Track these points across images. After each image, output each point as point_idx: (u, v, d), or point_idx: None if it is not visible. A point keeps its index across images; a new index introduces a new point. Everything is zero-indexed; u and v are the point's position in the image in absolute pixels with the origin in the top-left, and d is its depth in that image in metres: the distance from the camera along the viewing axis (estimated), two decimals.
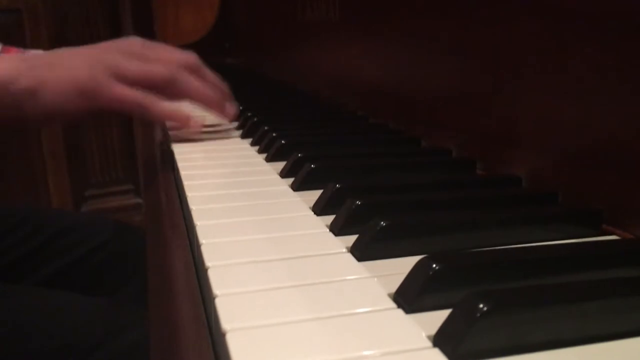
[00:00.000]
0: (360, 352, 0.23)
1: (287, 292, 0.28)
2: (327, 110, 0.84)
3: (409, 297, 0.27)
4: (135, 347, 0.62)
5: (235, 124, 0.76)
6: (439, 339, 0.24)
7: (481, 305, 0.23)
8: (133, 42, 0.64)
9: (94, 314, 0.67)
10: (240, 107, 0.79)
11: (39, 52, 1.04)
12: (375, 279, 0.30)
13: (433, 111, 0.60)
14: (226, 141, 0.66)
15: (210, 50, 1.69)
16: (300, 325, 0.25)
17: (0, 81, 0.56)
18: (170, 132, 0.72)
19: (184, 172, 0.51)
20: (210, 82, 0.66)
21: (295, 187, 0.47)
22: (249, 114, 0.73)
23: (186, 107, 0.66)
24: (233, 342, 0.24)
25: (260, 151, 0.60)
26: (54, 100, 0.58)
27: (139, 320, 0.65)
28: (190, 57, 0.65)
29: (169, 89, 0.62)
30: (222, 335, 0.25)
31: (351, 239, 0.34)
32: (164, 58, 0.63)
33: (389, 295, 0.28)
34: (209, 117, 0.79)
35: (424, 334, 0.24)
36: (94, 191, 2.15)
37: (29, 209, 0.95)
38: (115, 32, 2.05)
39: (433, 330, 0.24)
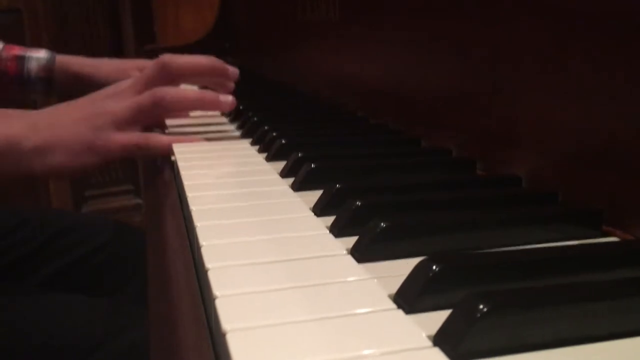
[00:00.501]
0: (360, 352, 0.23)
1: (287, 293, 0.28)
2: (327, 111, 0.84)
3: (409, 298, 0.27)
4: (135, 347, 0.62)
5: (236, 124, 0.76)
6: (439, 339, 0.24)
7: (481, 306, 0.23)
8: (120, 86, 0.65)
9: (93, 315, 0.67)
10: (240, 107, 0.79)
11: (41, 52, 1.04)
12: (376, 280, 0.30)
13: (433, 111, 0.60)
14: (226, 141, 0.66)
15: (210, 50, 1.68)
16: (300, 325, 0.25)
17: (11, 141, 0.58)
18: (169, 126, 0.72)
19: (184, 173, 0.51)
20: (192, 72, 0.66)
21: (296, 187, 0.47)
22: (249, 114, 0.73)
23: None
24: (233, 343, 0.24)
25: (260, 151, 0.60)
26: (62, 159, 0.59)
27: (139, 321, 0.65)
28: (160, 62, 0.65)
29: (160, 112, 0.64)
30: (222, 335, 0.25)
31: (351, 240, 0.34)
32: (143, 80, 0.64)
33: (389, 296, 0.28)
34: (208, 117, 0.79)
35: (424, 334, 0.24)
36: (94, 191, 2.15)
37: (29, 209, 0.95)
38: (115, 32, 2.05)
39: (433, 330, 0.24)
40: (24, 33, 1.91)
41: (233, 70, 0.71)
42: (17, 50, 1.04)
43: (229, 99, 0.67)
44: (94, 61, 1.07)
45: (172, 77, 0.65)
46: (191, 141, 0.64)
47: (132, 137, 0.61)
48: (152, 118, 0.64)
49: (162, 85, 0.64)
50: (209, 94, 0.66)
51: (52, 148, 0.59)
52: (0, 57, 1.02)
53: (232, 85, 0.70)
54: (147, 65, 1.04)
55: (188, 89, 0.65)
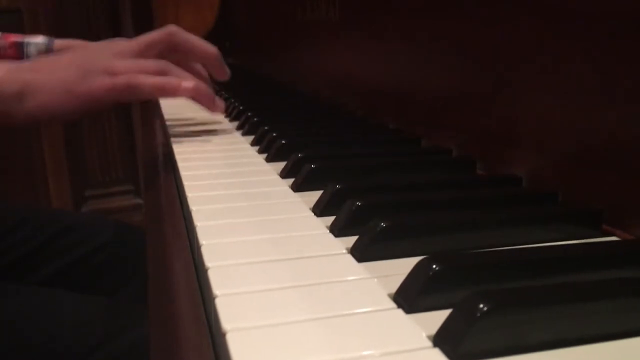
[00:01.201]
0: (360, 352, 0.23)
1: (287, 293, 0.28)
2: (327, 111, 0.84)
3: (409, 298, 0.27)
4: (135, 347, 0.62)
5: (236, 124, 0.76)
6: (439, 339, 0.24)
7: (481, 306, 0.23)
8: (120, 43, 0.64)
9: (93, 314, 0.67)
10: (240, 107, 0.79)
11: (39, 37, 1.03)
12: (375, 279, 0.30)
13: (433, 111, 0.60)
14: (226, 141, 0.66)
15: None
16: (301, 325, 0.25)
17: None
18: (169, 126, 0.72)
19: (184, 173, 0.51)
20: (197, 52, 0.66)
21: (296, 188, 0.47)
22: (249, 114, 0.73)
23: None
24: (233, 342, 0.24)
25: (260, 151, 0.60)
26: (42, 103, 0.57)
27: (139, 321, 0.65)
28: (169, 30, 0.64)
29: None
30: (222, 335, 0.25)
31: (351, 240, 0.34)
32: (148, 42, 0.63)
33: (389, 295, 0.28)
34: (208, 116, 0.79)
35: (424, 334, 0.24)
36: (94, 191, 2.15)
37: (29, 209, 0.95)
38: (115, 32, 2.05)
39: (433, 330, 0.24)
40: (24, 33, 1.90)
41: (227, 70, 0.71)
42: (15, 37, 1.03)
43: (221, 103, 0.67)
44: (92, 43, 1.06)
45: (175, 49, 0.64)
46: (179, 90, 0.61)
47: (119, 78, 0.59)
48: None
49: (162, 53, 0.63)
50: (208, 90, 0.65)
51: (31, 90, 0.57)
52: None
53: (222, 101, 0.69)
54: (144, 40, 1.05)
55: (192, 77, 0.64)
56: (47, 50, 1.02)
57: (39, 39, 1.03)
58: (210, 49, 0.67)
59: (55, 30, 1.97)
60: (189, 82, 0.62)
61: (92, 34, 2.09)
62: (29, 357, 0.62)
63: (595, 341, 0.24)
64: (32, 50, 1.02)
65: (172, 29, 0.65)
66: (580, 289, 0.26)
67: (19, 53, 1.02)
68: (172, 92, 0.62)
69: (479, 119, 0.52)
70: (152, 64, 0.61)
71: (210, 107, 0.66)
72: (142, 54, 0.63)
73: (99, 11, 2.07)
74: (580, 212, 0.37)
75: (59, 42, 1.03)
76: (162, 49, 0.64)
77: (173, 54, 0.64)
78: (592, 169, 0.39)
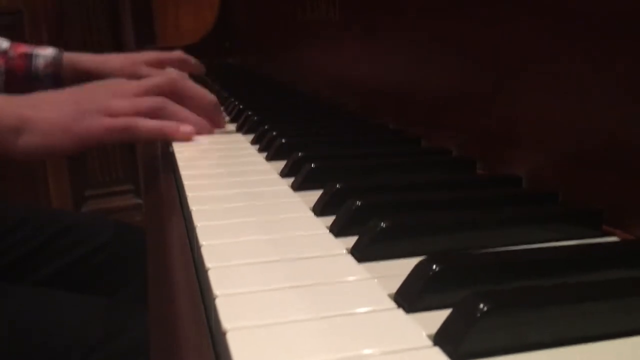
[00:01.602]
0: (360, 351, 0.23)
1: (287, 293, 0.28)
2: (327, 111, 0.84)
3: (410, 298, 0.27)
4: (135, 347, 0.62)
5: (236, 123, 0.76)
6: (440, 339, 0.24)
7: (481, 305, 0.23)
8: (121, 83, 0.64)
9: (93, 314, 0.67)
10: (240, 107, 0.79)
11: (48, 49, 1.03)
12: (376, 279, 0.30)
13: (433, 111, 0.60)
14: (226, 140, 0.66)
15: (210, 50, 1.69)
16: (301, 324, 0.25)
17: None
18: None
19: (184, 173, 0.51)
20: (196, 100, 0.66)
21: (296, 187, 0.47)
22: (248, 113, 0.73)
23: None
24: (233, 342, 0.24)
25: (260, 150, 0.60)
26: (39, 140, 0.57)
27: (139, 321, 0.65)
28: (171, 78, 0.65)
29: (155, 118, 0.62)
30: (222, 334, 0.25)
31: (351, 239, 0.34)
32: (149, 87, 0.63)
33: (390, 295, 0.28)
34: None
35: (424, 333, 0.24)
36: (94, 191, 2.15)
37: (29, 209, 0.95)
38: (115, 32, 2.05)
39: (433, 329, 0.24)
40: (24, 33, 1.91)
41: (224, 121, 0.71)
42: (24, 48, 1.03)
43: (222, 120, 0.68)
44: (100, 57, 1.06)
45: (176, 94, 0.64)
46: (177, 134, 0.62)
47: (118, 120, 0.59)
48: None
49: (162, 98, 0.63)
50: (206, 125, 0.66)
51: (27, 128, 0.57)
52: (8, 56, 1.01)
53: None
54: (153, 56, 1.05)
55: (190, 112, 0.64)
56: (55, 63, 1.02)
57: (48, 52, 1.03)
58: (208, 97, 0.68)
59: (55, 30, 1.97)
60: (186, 127, 0.62)
61: (92, 34, 2.09)
62: (28, 356, 0.62)
63: (595, 341, 0.24)
64: (40, 62, 1.02)
65: (173, 75, 0.66)
66: (580, 289, 0.26)
67: (27, 64, 1.02)
68: (170, 136, 0.63)
69: (479, 119, 0.52)
70: (148, 102, 0.61)
71: (210, 132, 0.67)
72: (141, 97, 0.63)
73: (99, 11, 2.07)
74: (580, 212, 0.37)
75: (67, 56, 1.03)
76: (162, 94, 0.64)
77: (172, 97, 0.64)
78: (592, 169, 0.39)
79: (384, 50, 0.71)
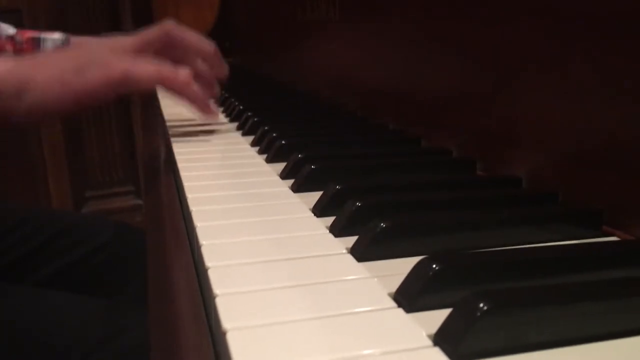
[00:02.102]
0: (360, 351, 0.23)
1: (288, 292, 0.28)
2: (327, 111, 0.84)
3: (410, 297, 0.27)
4: (135, 348, 0.62)
5: (236, 124, 0.76)
6: (440, 338, 0.24)
7: (481, 305, 0.23)
8: (118, 40, 0.64)
9: (93, 315, 0.67)
10: (240, 107, 0.79)
11: (55, 34, 1.04)
12: (376, 279, 0.30)
13: (433, 111, 0.60)
14: (226, 141, 0.66)
15: None
16: (301, 324, 0.25)
17: None
18: (170, 127, 0.72)
19: (184, 173, 0.51)
20: (194, 49, 0.66)
21: (296, 188, 0.47)
22: (249, 114, 0.73)
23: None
24: (234, 341, 0.24)
25: (260, 152, 0.60)
26: (40, 98, 0.57)
27: (139, 321, 0.65)
28: (165, 29, 0.65)
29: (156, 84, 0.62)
30: (222, 334, 0.25)
31: (351, 240, 0.34)
32: (144, 42, 0.63)
33: (390, 295, 0.28)
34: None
35: (424, 333, 0.24)
36: (94, 192, 2.15)
37: (28, 209, 0.95)
38: (115, 32, 2.05)
39: (433, 329, 0.24)
40: None
41: (225, 68, 0.70)
42: (31, 33, 1.04)
43: (215, 109, 0.67)
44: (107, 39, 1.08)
45: (172, 45, 0.64)
46: (177, 80, 0.61)
47: (115, 70, 0.59)
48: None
49: (160, 50, 0.62)
50: (202, 95, 0.65)
51: (28, 88, 0.57)
52: (15, 41, 1.02)
53: (215, 106, 0.69)
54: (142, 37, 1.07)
55: (190, 79, 0.63)
56: (64, 45, 1.02)
57: (56, 36, 1.04)
58: (207, 45, 0.67)
59: (55, 30, 1.97)
60: (184, 71, 0.62)
61: (92, 34, 2.08)
62: (28, 357, 0.62)
63: (595, 341, 0.24)
64: (49, 45, 1.02)
65: (168, 26, 0.65)
66: (580, 289, 0.26)
67: (35, 48, 1.02)
68: (169, 82, 0.62)
69: (479, 119, 0.52)
70: (151, 70, 0.61)
71: (204, 109, 0.66)
72: (139, 50, 0.63)
73: (99, 11, 2.07)
74: (580, 212, 0.37)
75: (75, 39, 1.04)
76: (159, 46, 0.64)
77: (171, 50, 0.64)
78: (592, 169, 0.39)
79: (384, 50, 0.71)
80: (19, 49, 1.03)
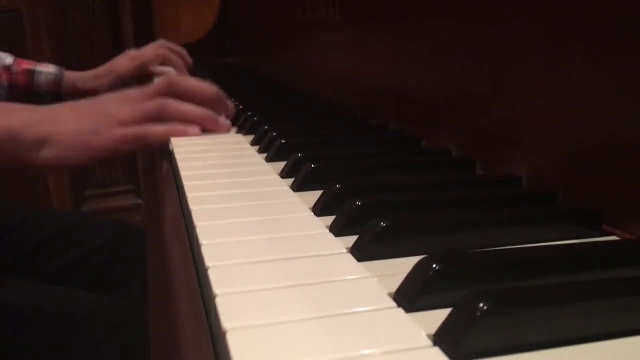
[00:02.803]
0: (360, 351, 0.23)
1: (288, 292, 0.28)
2: (327, 110, 0.84)
3: (410, 297, 0.27)
4: (135, 347, 0.62)
5: (236, 124, 0.76)
6: (440, 338, 0.24)
7: (481, 305, 0.23)
8: (126, 94, 0.69)
9: (94, 313, 0.67)
10: (240, 107, 0.79)
11: (50, 67, 1.09)
12: (376, 279, 0.30)
13: (433, 111, 0.60)
14: (226, 141, 0.66)
15: (210, 50, 1.69)
16: (301, 324, 0.25)
17: (11, 133, 0.60)
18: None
19: (184, 173, 0.51)
20: (197, 97, 0.69)
21: (296, 188, 0.47)
22: (249, 114, 0.73)
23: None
24: (234, 342, 0.24)
25: (260, 151, 0.60)
26: (60, 155, 0.62)
27: (139, 320, 0.65)
28: (169, 81, 0.69)
29: (161, 119, 0.66)
30: (222, 334, 0.25)
31: (351, 239, 0.34)
32: (150, 93, 0.67)
33: (390, 295, 0.28)
34: None
35: (424, 333, 0.24)
36: (94, 191, 2.15)
37: (28, 209, 0.95)
38: (115, 32, 2.05)
39: (433, 329, 0.24)
40: (24, 33, 1.91)
41: (232, 107, 0.73)
42: (27, 65, 1.10)
43: (227, 123, 0.70)
44: (94, 74, 1.15)
45: (177, 96, 0.67)
46: (187, 134, 0.66)
47: (129, 130, 0.63)
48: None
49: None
50: (209, 114, 0.69)
51: (50, 142, 0.61)
52: (11, 71, 1.07)
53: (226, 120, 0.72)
54: (136, 55, 1.15)
55: (191, 105, 0.68)
56: (57, 81, 1.09)
57: (50, 69, 1.10)
58: (209, 90, 0.71)
59: (55, 29, 1.97)
60: (194, 129, 0.67)
61: (92, 34, 2.09)
62: (29, 351, 0.62)
63: (595, 341, 0.24)
64: (42, 79, 1.09)
65: (171, 79, 0.70)
66: (580, 289, 0.26)
67: (29, 80, 1.09)
68: (179, 136, 0.67)
69: (479, 119, 0.52)
70: (152, 105, 0.65)
71: (215, 129, 0.69)
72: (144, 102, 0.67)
73: (99, 11, 2.07)
74: (580, 212, 0.37)
75: (68, 74, 1.11)
76: (164, 97, 0.68)
77: (175, 98, 0.68)
78: (592, 169, 0.39)
79: (384, 50, 0.71)
80: (13, 79, 1.08)
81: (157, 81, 0.70)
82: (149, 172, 0.64)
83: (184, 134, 0.66)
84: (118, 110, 0.64)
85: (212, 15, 1.72)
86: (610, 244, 0.35)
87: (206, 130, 0.68)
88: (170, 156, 0.61)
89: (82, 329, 0.64)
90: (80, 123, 0.63)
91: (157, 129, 0.65)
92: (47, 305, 0.67)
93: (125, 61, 1.16)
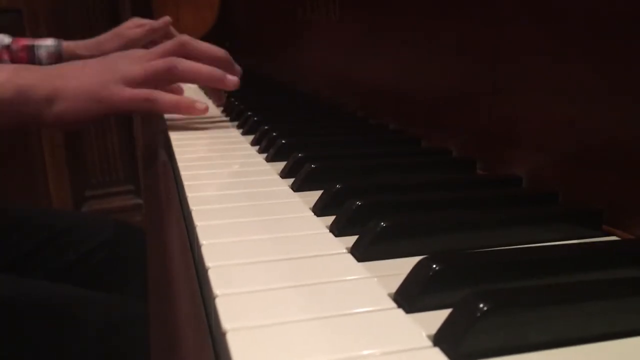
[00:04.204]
0: (360, 352, 0.23)
1: (288, 292, 0.28)
2: (327, 110, 0.84)
3: (409, 297, 0.27)
4: (135, 347, 0.62)
5: (236, 123, 0.76)
6: (440, 339, 0.24)
7: (481, 305, 0.23)
8: (137, 52, 0.70)
9: (94, 309, 0.67)
10: (241, 107, 0.79)
11: (48, 40, 1.09)
12: (376, 279, 0.30)
13: (433, 111, 0.60)
14: (226, 141, 0.66)
15: None
16: (301, 324, 0.25)
17: (22, 89, 0.61)
18: (170, 126, 0.72)
19: (184, 173, 0.51)
20: (207, 57, 0.71)
21: (296, 188, 0.47)
22: (249, 114, 0.73)
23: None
24: (233, 342, 0.24)
25: (260, 151, 0.60)
26: (69, 108, 0.63)
27: (139, 320, 0.65)
28: (180, 40, 0.71)
29: (170, 78, 0.68)
30: (222, 334, 0.25)
31: (351, 239, 0.34)
32: (160, 52, 0.69)
33: (389, 295, 0.28)
34: (209, 116, 0.79)
35: (424, 334, 0.24)
36: (94, 192, 2.15)
37: (29, 209, 0.95)
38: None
39: (433, 329, 0.24)
40: (24, 33, 1.91)
41: (238, 69, 0.76)
42: (25, 41, 1.10)
43: (234, 78, 0.72)
44: (95, 41, 1.15)
45: (187, 55, 0.69)
46: (193, 110, 0.68)
47: (139, 91, 0.65)
48: (162, 83, 0.68)
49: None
50: (218, 71, 0.70)
51: (60, 96, 0.62)
52: (11, 50, 1.07)
53: (234, 82, 0.73)
54: (143, 22, 1.18)
55: (199, 64, 0.69)
56: (57, 52, 1.09)
57: (48, 42, 1.10)
58: (219, 52, 0.73)
59: (55, 30, 1.97)
60: (201, 105, 0.68)
61: (92, 34, 2.08)
62: (30, 348, 0.62)
63: (595, 341, 0.24)
64: (42, 52, 1.09)
65: (183, 39, 0.71)
66: (581, 289, 0.26)
67: (30, 55, 1.09)
68: (185, 112, 0.68)
69: (479, 119, 0.52)
70: (160, 63, 0.67)
71: (224, 85, 0.71)
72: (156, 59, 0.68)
73: (99, 11, 2.07)
74: (580, 212, 0.37)
75: (66, 44, 1.11)
76: (175, 55, 0.69)
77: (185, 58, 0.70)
78: (592, 169, 0.39)
79: (384, 50, 0.71)
80: (14, 57, 1.08)
81: (167, 41, 0.72)
82: (148, 173, 0.64)
83: (191, 109, 0.68)
84: (129, 68, 0.65)
85: (212, 15, 1.72)
86: (610, 244, 0.35)
87: (213, 86, 0.71)
88: (170, 155, 0.61)
89: (82, 328, 0.64)
90: (90, 78, 0.64)
91: (166, 96, 0.66)
92: (48, 302, 0.67)
93: (132, 26, 1.17)
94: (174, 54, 0.68)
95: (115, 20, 2.04)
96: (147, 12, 1.80)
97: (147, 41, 1.16)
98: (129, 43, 1.12)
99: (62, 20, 2.00)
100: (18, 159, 1.98)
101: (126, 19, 1.23)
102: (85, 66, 0.67)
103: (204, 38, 0.76)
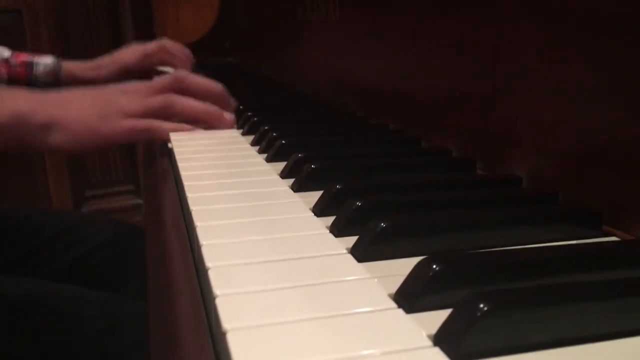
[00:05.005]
0: (360, 352, 0.23)
1: (288, 292, 0.28)
2: (327, 110, 0.84)
3: (410, 297, 0.27)
4: (135, 347, 0.62)
5: (236, 124, 0.76)
6: (440, 339, 0.24)
7: (481, 305, 0.23)
8: (133, 86, 0.71)
9: (94, 309, 0.67)
10: (241, 107, 0.79)
11: (47, 58, 1.10)
12: (376, 279, 0.30)
13: (433, 111, 0.60)
14: (226, 141, 0.66)
15: (210, 50, 1.69)
16: (301, 324, 0.25)
17: (20, 115, 0.61)
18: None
19: (184, 173, 0.51)
20: (203, 92, 0.71)
21: (296, 188, 0.47)
22: (249, 114, 0.74)
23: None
24: (234, 342, 0.24)
25: (260, 151, 0.60)
26: (69, 139, 0.63)
27: (139, 320, 0.65)
28: (177, 77, 0.71)
29: (167, 114, 0.68)
30: (222, 334, 0.25)
31: (351, 240, 0.34)
32: (158, 88, 0.69)
33: (390, 295, 0.28)
34: None
35: (424, 334, 0.24)
36: (94, 191, 2.15)
37: (29, 209, 0.95)
38: (115, 32, 2.05)
39: (433, 329, 0.24)
40: (24, 33, 1.91)
41: (233, 103, 0.75)
42: (25, 57, 1.11)
43: (231, 118, 0.72)
44: (95, 64, 1.16)
45: (184, 91, 0.69)
46: (190, 130, 0.68)
47: (138, 122, 0.65)
48: (159, 119, 0.68)
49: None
50: (214, 109, 0.70)
51: (57, 126, 0.62)
52: (10, 64, 1.08)
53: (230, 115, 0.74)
54: (139, 48, 1.17)
55: (197, 101, 0.70)
56: (55, 71, 1.10)
57: (47, 60, 1.11)
58: (214, 87, 0.73)
59: (55, 30, 1.97)
60: (200, 131, 0.69)
61: (92, 34, 2.09)
62: (30, 346, 0.62)
63: (595, 341, 0.24)
64: (40, 70, 1.10)
65: (180, 75, 0.71)
66: (580, 289, 0.26)
67: (27, 72, 1.10)
68: (187, 129, 0.69)
69: (479, 119, 0.52)
70: (159, 100, 0.67)
71: (220, 124, 0.71)
72: (152, 96, 0.69)
73: (99, 11, 2.07)
74: (580, 212, 0.37)
75: (65, 64, 1.12)
76: (170, 92, 0.70)
77: (180, 94, 0.70)
78: (592, 169, 0.39)
79: (384, 50, 0.71)
80: (12, 72, 1.09)
81: (164, 76, 0.72)
82: (148, 173, 0.65)
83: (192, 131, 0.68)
84: (126, 102, 0.65)
85: (212, 15, 1.72)
86: (610, 244, 0.35)
87: (210, 126, 0.70)
88: (170, 156, 0.61)
89: (82, 327, 0.64)
90: (88, 110, 0.64)
91: (165, 125, 0.66)
92: (48, 301, 0.67)
93: (130, 52, 1.18)
94: (170, 90, 0.69)
95: (115, 20, 2.05)
96: (147, 12, 1.80)
97: (142, 66, 1.17)
98: (124, 68, 1.15)
99: (62, 20, 2.01)
100: (18, 159, 1.98)
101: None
102: (84, 97, 0.67)
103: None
